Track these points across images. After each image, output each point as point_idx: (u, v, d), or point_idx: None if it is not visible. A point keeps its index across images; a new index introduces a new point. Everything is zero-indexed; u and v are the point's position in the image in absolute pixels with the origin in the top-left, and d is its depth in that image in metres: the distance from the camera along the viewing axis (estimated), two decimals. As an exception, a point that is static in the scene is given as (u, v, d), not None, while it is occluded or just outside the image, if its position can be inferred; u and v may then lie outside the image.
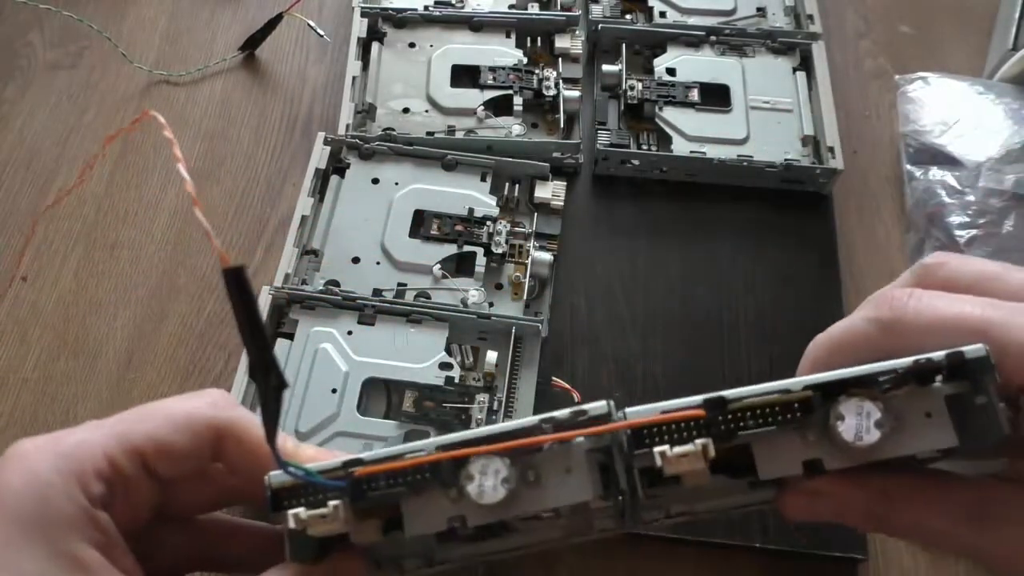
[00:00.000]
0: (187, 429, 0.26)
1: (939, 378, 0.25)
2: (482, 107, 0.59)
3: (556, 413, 0.25)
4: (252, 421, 0.28)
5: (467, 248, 0.54)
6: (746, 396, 0.24)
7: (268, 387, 0.23)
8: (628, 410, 0.25)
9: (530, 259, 0.54)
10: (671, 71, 0.62)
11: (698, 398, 0.25)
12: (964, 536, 0.25)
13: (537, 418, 0.25)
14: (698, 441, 0.24)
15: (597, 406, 0.25)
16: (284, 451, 0.25)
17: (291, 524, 0.24)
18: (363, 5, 0.63)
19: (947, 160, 0.60)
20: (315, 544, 0.26)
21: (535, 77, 0.61)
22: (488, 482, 0.24)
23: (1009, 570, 0.25)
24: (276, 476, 0.25)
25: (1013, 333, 0.24)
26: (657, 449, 0.24)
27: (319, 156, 0.57)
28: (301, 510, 0.25)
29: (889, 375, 0.24)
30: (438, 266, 0.53)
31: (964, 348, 0.24)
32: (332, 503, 0.25)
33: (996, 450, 0.26)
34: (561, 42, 0.63)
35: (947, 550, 0.26)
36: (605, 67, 0.62)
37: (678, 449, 0.24)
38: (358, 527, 0.26)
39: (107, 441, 0.26)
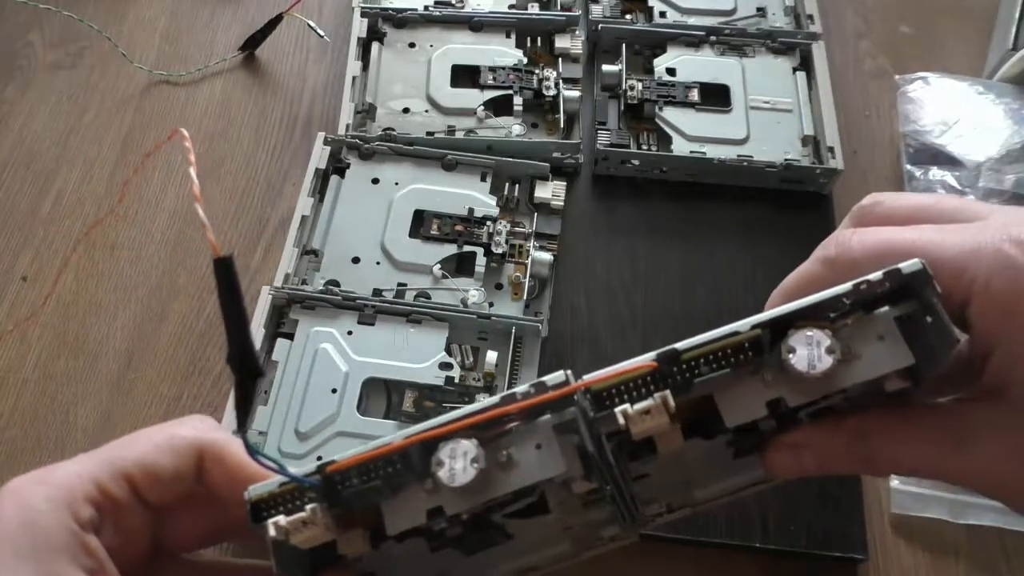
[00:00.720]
0: (169, 450, 0.27)
1: (886, 307, 0.25)
2: (482, 107, 0.59)
3: (516, 388, 0.25)
4: (232, 441, 0.28)
5: (467, 248, 0.54)
6: (697, 344, 0.24)
7: (244, 374, 0.24)
8: (585, 376, 0.25)
9: (530, 259, 0.54)
10: (671, 71, 0.62)
11: (651, 353, 0.25)
12: (942, 462, 0.26)
13: (498, 396, 0.25)
14: (657, 395, 0.24)
15: (554, 376, 0.25)
16: (257, 472, 0.25)
17: (271, 532, 0.24)
18: (363, 5, 0.63)
19: (947, 160, 0.60)
20: (304, 560, 0.26)
21: (535, 77, 0.61)
22: (458, 464, 0.24)
23: (985, 486, 0.26)
24: (255, 488, 0.25)
25: (944, 250, 0.25)
26: (618, 409, 0.24)
27: (319, 156, 0.57)
28: (280, 517, 0.24)
29: (834, 304, 0.24)
30: (438, 266, 0.53)
31: (900, 264, 0.24)
32: (309, 506, 0.24)
33: (958, 379, 0.27)
34: (561, 42, 0.63)
35: (931, 478, 0.26)
36: (605, 67, 0.62)
37: (639, 405, 0.24)
38: (344, 537, 0.25)
39: (95, 468, 0.26)
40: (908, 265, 0.24)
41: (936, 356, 0.24)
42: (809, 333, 0.24)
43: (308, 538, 0.24)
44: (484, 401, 0.25)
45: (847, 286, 0.24)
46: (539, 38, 0.64)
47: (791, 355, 0.24)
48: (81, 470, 0.26)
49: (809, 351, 0.24)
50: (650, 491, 0.29)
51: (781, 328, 0.25)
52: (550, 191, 0.57)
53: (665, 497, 0.29)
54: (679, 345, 0.25)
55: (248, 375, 0.24)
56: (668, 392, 0.24)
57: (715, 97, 0.61)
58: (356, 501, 0.25)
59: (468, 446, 0.24)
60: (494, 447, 0.25)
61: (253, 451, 0.25)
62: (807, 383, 0.24)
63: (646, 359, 0.25)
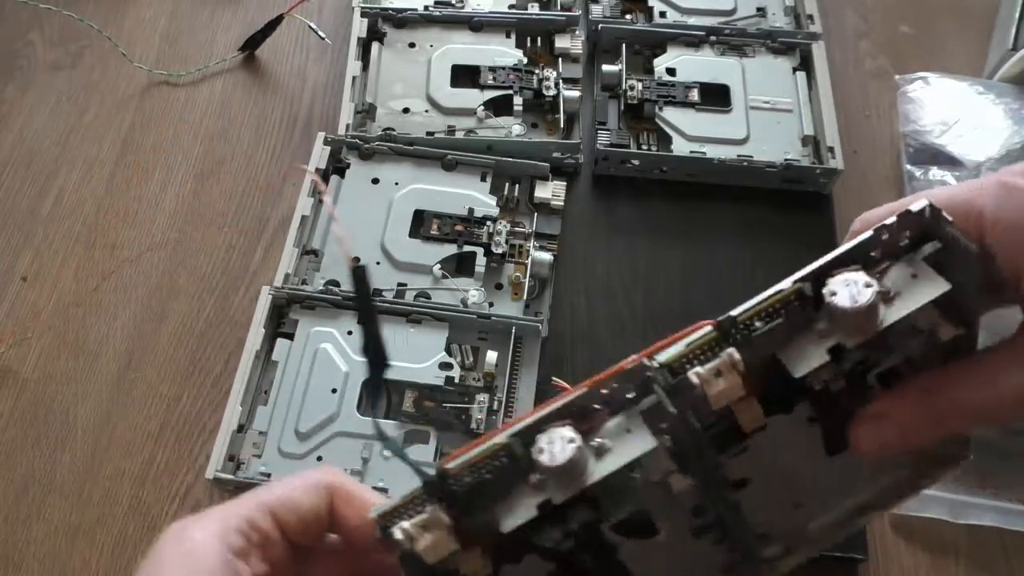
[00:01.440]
0: (305, 488, 0.30)
1: (911, 253, 0.27)
2: (482, 107, 0.59)
3: (596, 378, 0.27)
4: (358, 484, 0.31)
5: (467, 248, 0.54)
6: (749, 307, 0.27)
7: (377, 363, 0.29)
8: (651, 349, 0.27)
9: (530, 259, 0.54)
10: (671, 71, 0.62)
11: (708, 322, 0.27)
12: (996, 403, 0.27)
13: (583, 387, 0.27)
14: (723, 353, 0.26)
15: (628, 361, 0.27)
16: (371, 501, 0.29)
17: (398, 536, 0.26)
18: (363, 5, 0.63)
19: (947, 160, 0.60)
20: None
21: (535, 77, 0.61)
22: (556, 447, 0.26)
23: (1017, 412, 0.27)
24: (378, 507, 0.27)
25: (951, 194, 0.27)
26: (691, 371, 0.26)
27: (319, 156, 0.57)
28: (404, 523, 0.26)
29: (862, 251, 0.27)
30: (438, 266, 0.53)
31: (909, 206, 0.26)
32: (429, 508, 0.26)
33: (992, 300, 0.28)
34: (561, 42, 0.63)
35: (1000, 423, 0.27)
36: (605, 67, 0.62)
37: (709, 365, 0.26)
38: (464, 555, 0.27)
39: (243, 504, 0.29)
40: (916, 204, 0.26)
41: (966, 280, 0.26)
42: (845, 276, 0.26)
43: (432, 544, 0.26)
44: (569, 395, 0.27)
45: (868, 232, 0.27)
46: (539, 38, 0.64)
47: (833, 297, 0.26)
48: (232, 506, 0.29)
49: (849, 288, 0.26)
50: (755, 505, 0.30)
51: (819, 281, 0.26)
52: (550, 191, 0.57)
53: (777, 523, 0.30)
54: (734, 312, 0.26)
55: (380, 363, 0.28)
56: (732, 349, 0.26)
57: (715, 97, 0.61)
58: (471, 498, 0.26)
59: (563, 430, 0.26)
60: (588, 439, 0.27)
61: (383, 437, 0.26)
62: (855, 319, 0.26)
63: (706, 324, 0.26)
